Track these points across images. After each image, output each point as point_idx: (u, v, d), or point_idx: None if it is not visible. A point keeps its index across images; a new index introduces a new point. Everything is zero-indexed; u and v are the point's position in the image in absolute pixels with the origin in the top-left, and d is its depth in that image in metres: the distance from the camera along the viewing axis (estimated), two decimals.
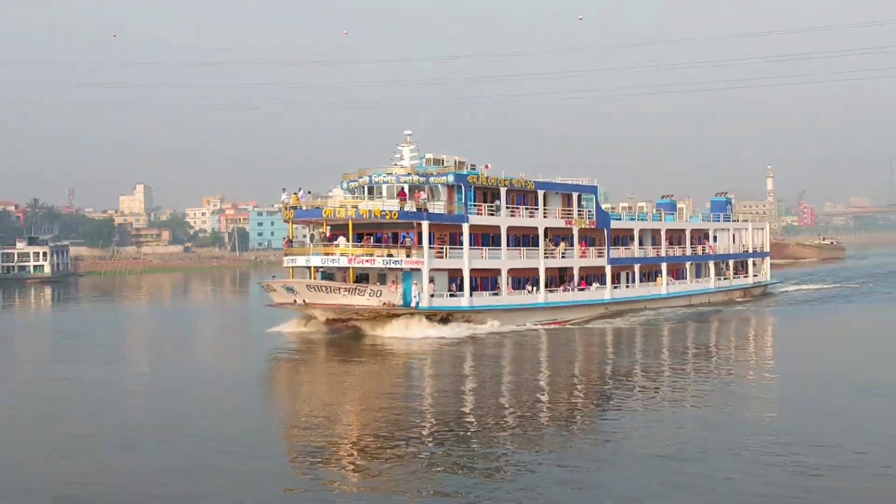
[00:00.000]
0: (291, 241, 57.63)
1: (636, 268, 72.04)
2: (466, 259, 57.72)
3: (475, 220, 58.66)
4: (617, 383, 39.58)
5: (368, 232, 57.24)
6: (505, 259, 60.64)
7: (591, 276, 68.30)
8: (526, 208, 62.89)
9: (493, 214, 60.15)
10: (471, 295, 57.89)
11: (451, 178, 57.62)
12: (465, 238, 57.85)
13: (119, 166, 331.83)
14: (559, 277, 65.90)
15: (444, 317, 56.50)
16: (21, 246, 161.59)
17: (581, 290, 66.20)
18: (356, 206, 53.89)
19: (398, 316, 54.64)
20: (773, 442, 27.63)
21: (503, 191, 60.62)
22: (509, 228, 61.17)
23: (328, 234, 56.30)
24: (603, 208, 69.56)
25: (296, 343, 53.06)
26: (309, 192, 57.91)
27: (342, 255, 53.93)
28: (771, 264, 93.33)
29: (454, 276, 57.98)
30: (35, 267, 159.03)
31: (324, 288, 53.53)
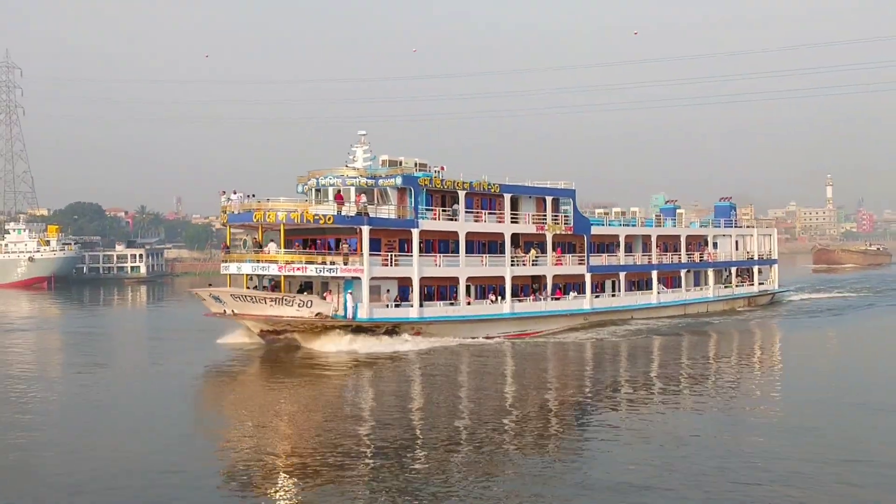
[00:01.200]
0: (228, 247, 54.17)
1: (622, 276, 67.38)
2: (416, 267, 53.83)
3: (427, 225, 54.78)
4: (575, 403, 36.31)
5: (313, 238, 53.84)
6: (463, 267, 56.63)
7: (570, 285, 63.95)
8: (492, 213, 58.90)
9: (452, 219, 56.31)
10: (421, 305, 54.06)
11: (399, 181, 53.84)
12: (415, 244, 54.03)
13: (223, 175, 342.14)
14: (532, 287, 61.71)
15: (391, 329, 52.69)
16: (120, 248, 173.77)
17: (556, 299, 61.86)
18: (286, 211, 50.44)
19: (335, 328, 51.02)
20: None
21: (462, 194, 56.68)
22: (469, 234, 57.17)
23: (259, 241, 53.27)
24: (581, 213, 65.25)
25: (230, 357, 49.57)
26: (252, 196, 54.48)
27: (271, 262, 50.54)
28: (813, 269, 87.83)
29: (405, 286, 54.18)
30: (132, 268, 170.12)
31: (249, 298, 50.09)
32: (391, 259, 52.93)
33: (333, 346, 49.84)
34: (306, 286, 53.88)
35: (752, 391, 38.96)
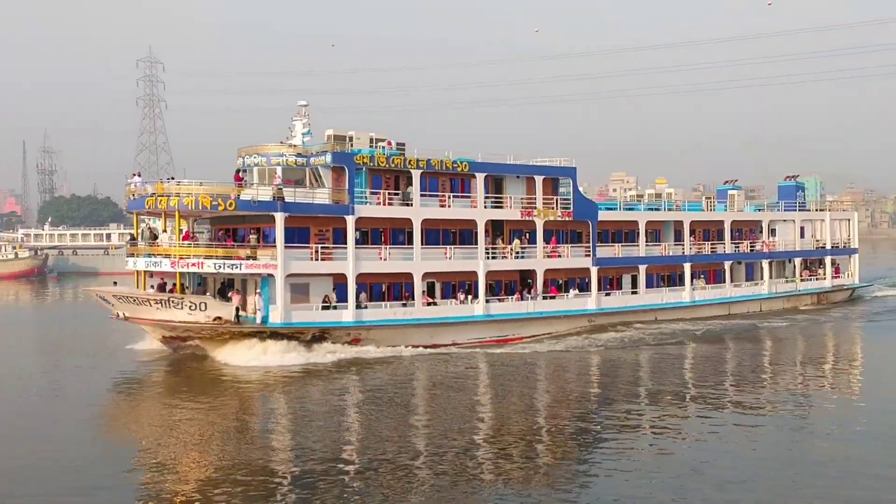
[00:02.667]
0: (135, 238, 46.66)
1: (642, 269, 56.76)
2: (351, 261, 45.15)
3: (366, 211, 45.99)
4: (547, 431, 28.78)
5: (233, 227, 46.04)
6: (419, 261, 47.62)
7: (573, 282, 53.96)
8: (460, 197, 49.60)
9: (407, 204, 47.36)
10: (361, 307, 45.44)
11: (329, 158, 45.35)
12: (350, 234, 45.34)
13: None
14: (522, 284, 52.08)
15: (318, 336, 44.30)
16: None
17: (551, 298, 52.03)
18: (179, 195, 42.59)
19: (242, 335, 43.00)
20: None
21: (416, 174, 47.59)
22: (427, 222, 48.06)
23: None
24: (583, 194, 54.96)
25: (130, 369, 42.20)
26: (172, 178, 46.85)
27: (165, 256, 42.91)
28: None
29: (342, 283, 45.63)
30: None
31: (132, 299, 42.63)
32: (316, 252, 44.50)
33: (240, 356, 41.88)
34: (229, 285, 46.15)
35: (819, 425, 29.76)
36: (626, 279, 56.78)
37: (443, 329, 47.78)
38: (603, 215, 55.17)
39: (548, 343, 48.91)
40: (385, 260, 46.47)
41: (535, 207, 51.80)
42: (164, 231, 43.74)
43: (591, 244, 54.25)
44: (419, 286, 47.30)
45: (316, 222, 44.85)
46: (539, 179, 52.13)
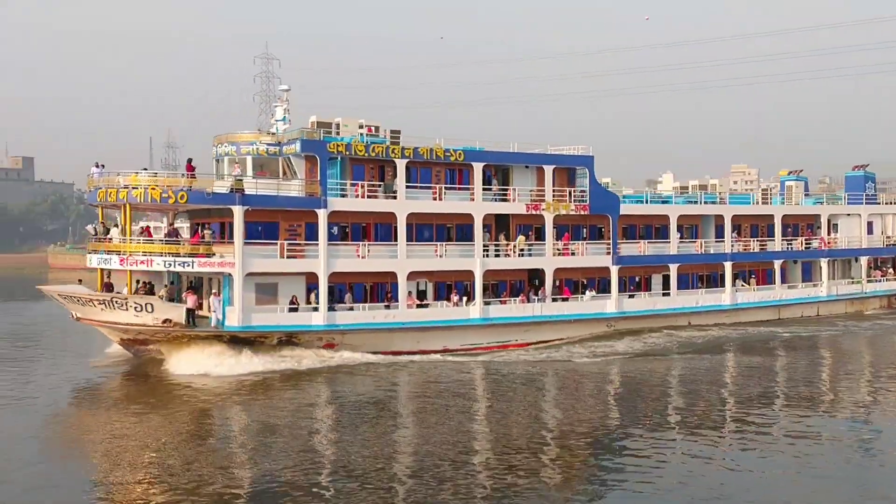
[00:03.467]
0: (98, 233, 43.30)
1: (673, 269, 51.13)
2: (322, 258, 41.21)
3: (341, 204, 42.07)
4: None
5: (206, 221, 42.81)
6: (404, 259, 43.42)
7: (591, 282, 48.90)
8: (455, 189, 45.14)
9: (391, 196, 43.26)
10: (332, 308, 41.58)
11: (298, 147, 41.62)
12: (321, 230, 41.42)
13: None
14: (531, 284, 47.35)
15: (285, 340, 40.68)
16: None
17: (563, 300, 47.12)
18: (128, 187, 39.35)
19: (199, 339, 39.68)
20: None
21: (401, 164, 43.36)
22: (414, 217, 43.80)
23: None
24: (602, 185, 49.67)
25: (86, 375, 39.41)
26: (145, 169, 43.70)
27: (116, 252, 39.88)
28: None
29: (314, 283, 41.89)
30: None
31: (77, 299, 39.76)
32: (282, 249, 40.83)
33: (191, 363, 38.54)
34: (199, 284, 42.99)
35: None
36: (656, 279, 51.29)
37: (431, 334, 43.48)
38: (626, 209, 49.80)
39: (558, 350, 44.24)
40: (363, 258, 42.50)
41: (544, 200, 46.99)
42: (117, 226, 40.76)
43: (611, 241, 49.09)
44: (403, 286, 43.08)
45: (286, 216, 41.21)
46: (549, 170, 47.19)
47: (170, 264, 39.07)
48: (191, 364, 38.37)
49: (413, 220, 43.90)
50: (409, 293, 43.50)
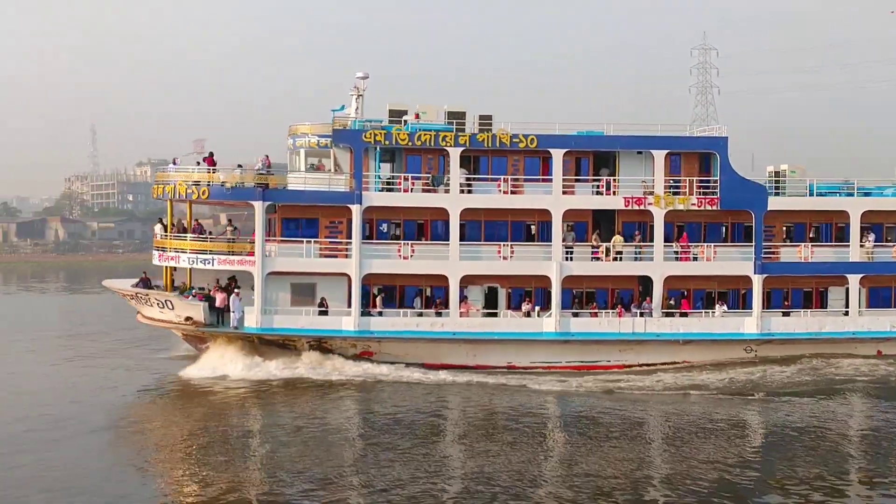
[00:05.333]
0: (181, 228, 40.68)
1: (853, 280, 39.01)
2: (356, 258, 37.57)
3: (379, 199, 38.08)
4: None
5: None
6: (456, 260, 38.09)
7: (730, 294, 39.23)
8: (546, 180, 38.78)
9: (443, 190, 38.32)
10: (368, 312, 37.66)
11: (332, 138, 38.51)
12: (356, 226, 37.77)
13: None
14: (639, 293, 39.13)
15: (314, 345, 37.65)
16: None
17: (682, 314, 38.23)
18: (168, 183, 38.61)
19: (230, 340, 38.05)
20: None
21: (454, 154, 38.11)
22: (469, 213, 38.35)
23: None
24: (742, 176, 39.11)
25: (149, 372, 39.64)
26: (175, 166, 41.94)
27: (156, 248, 39.72)
28: None
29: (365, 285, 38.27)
30: None
31: (122, 295, 40.26)
32: (308, 249, 37.87)
33: (209, 365, 37.26)
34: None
35: None
36: (836, 293, 39.61)
37: (491, 347, 37.77)
38: (776, 203, 39.21)
39: (667, 377, 36.24)
40: (407, 259, 38.13)
41: (653, 193, 38.64)
42: (172, 223, 40.57)
43: (752, 243, 38.92)
44: (455, 291, 37.91)
45: (325, 213, 38.39)
46: (660, 156, 38.72)
47: (193, 261, 38.31)
48: (204, 367, 37.23)
49: (472, 217, 38.66)
50: (464, 299, 38.23)
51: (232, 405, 32.61)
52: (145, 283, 39.43)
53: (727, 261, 38.88)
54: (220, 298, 38.01)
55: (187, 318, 37.79)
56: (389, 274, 38.20)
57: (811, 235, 40.37)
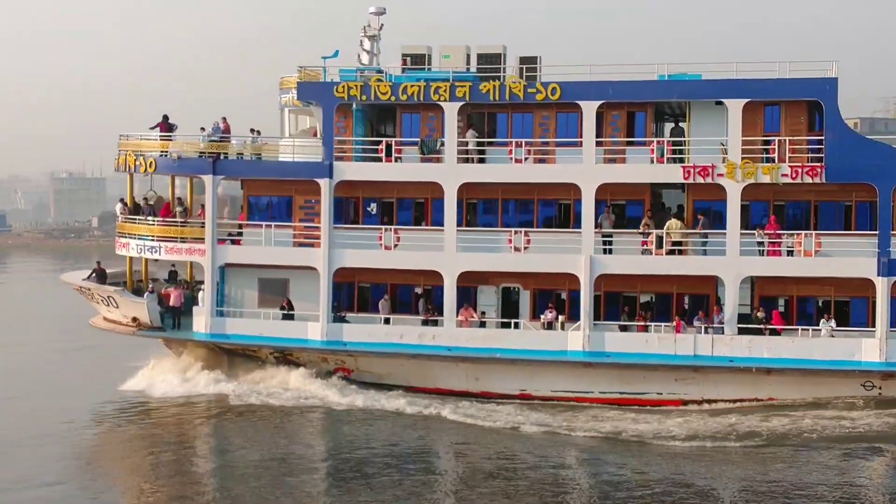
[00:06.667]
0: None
1: None
2: (325, 248, 29.15)
3: (353, 171, 29.28)
4: None
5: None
6: (451, 252, 28.62)
7: (856, 304, 27.14)
8: (574, 144, 28.49)
9: (433, 159, 28.97)
10: (340, 318, 29.13)
11: (292, 95, 30.31)
12: (324, 206, 29.29)
13: None
14: (717, 301, 27.86)
15: (279, 357, 29.70)
16: None
17: (770, 331, 26.82)
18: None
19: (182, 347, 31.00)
20: None
21: (450, 110, 28.59)
22: (471, 188, 28.89)
23: None
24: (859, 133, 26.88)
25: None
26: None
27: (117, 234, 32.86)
28: None
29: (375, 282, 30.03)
30: None
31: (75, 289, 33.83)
32: (265, 235, 29.77)
33: (161, 380, 30.29)
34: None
35: None
36: None
37: (498, 369, 28.23)
38: None
39: (743, 420, 25.58)
40: (390, 249, 29.14)
41: (725, 160, 27.30)
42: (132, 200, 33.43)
43: (877, 231, 26.60)
44: (451, 292, 28.63)
45: (301, 190, 30.14)
46: (735, 107, 27.28)
47: (141, 249, 31.31)
48: (156, 380, 30.37)
49: (482, 195, 29.32)
50: (467, 305, 28.83)
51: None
52: (99, 274, 32.88)
53: (837, 257, 26.93)
54: (174, 296, 30.94)
55: (133, 319, 31.05)
56: (368, 269, 29.59)
57: None
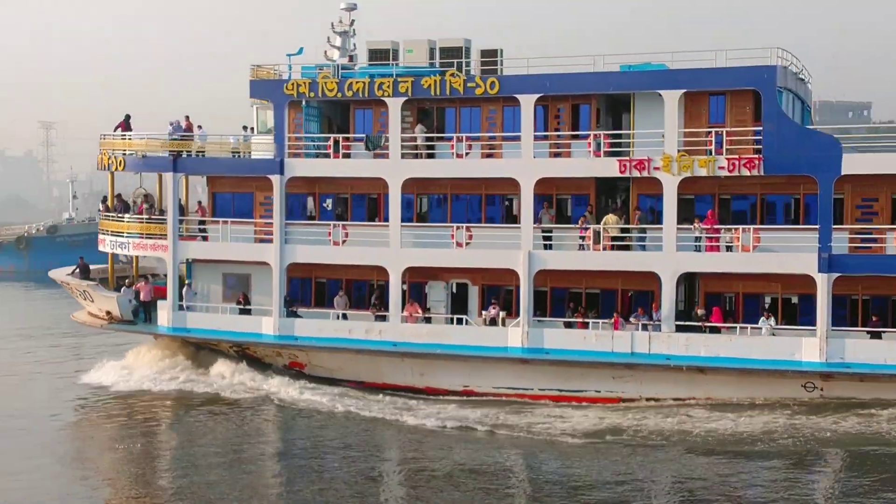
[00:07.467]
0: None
1: None
2: (277, 243, 29.62)
3: (305, 167, 29.58)
4: None
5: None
6: (396, 248, 28.68)
7: (806, 301, 26.13)
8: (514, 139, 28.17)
9: (381, 154, 29.05)
10: (293, 312, 29.62)
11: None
12: (277, 203, 29.73)
13: None
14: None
15: (238, 351, 30.49)
16: None
17: (710, 329, 26.08)
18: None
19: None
20: None
21: (393, 105, 28.63)
22: (413, 184, 29.03)
23: None
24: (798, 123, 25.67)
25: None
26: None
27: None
28: None
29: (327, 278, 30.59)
30: None
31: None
32: (222, 231, 30.44)
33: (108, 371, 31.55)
34: None
35: None
36: None
37: (442, 365, 28.31)
38: (856, 163, 25.27)
39: (685, 418, 25.28)
40: (339, 245, 29.40)
41: (662, 154, 26.52)
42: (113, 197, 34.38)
43: (818, 226, 25.41)
44: (396, 288, 28.80)
45: (261, 186, 30.65)
46: (671, 98, 26.44)
47: (113, 245, 32.45)
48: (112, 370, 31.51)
49: (433, 191, 29.43)
50: (412, 301, 28.95)
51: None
52: (83, 269, 34.24)
53: (775, 252, 25.91)
54: (144, 291, 32.00)
55: (107, 313, 32.30)
56: (323, 264, 30.02)
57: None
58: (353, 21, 32.70)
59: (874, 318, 25.61)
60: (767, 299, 26.92)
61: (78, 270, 34.07)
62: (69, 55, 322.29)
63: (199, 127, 32.78)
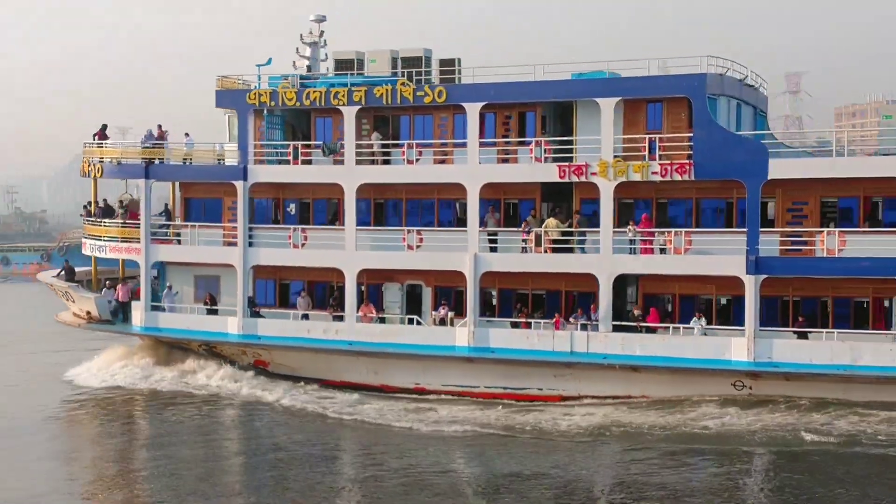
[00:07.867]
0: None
1: None
2: (241, 247, 30.94)
3: (265, 174, 30.90)
4: None
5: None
6: (351, 251, 29.84)
7: (737, 303, 26.86)
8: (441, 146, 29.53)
9: (337, 160, 30.25)
10: (255, 312, 30.98)
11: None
12: (240, 208, 31.05)
13: None
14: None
15: (207, 349, 31.97)
16: None
17: (646, 329, 26.96)
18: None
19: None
20: None
21: (348, 114, 29.81)
22: (367, 189, 30.20)
23: None
24: (729, 130, 26.32)
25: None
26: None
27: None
28: None
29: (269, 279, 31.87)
30: None
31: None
32: (191, 235, 31.85)
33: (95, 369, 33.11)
34: None
35: None
36: (895, 306, 25.57)
37: (394, 363, 29.47)
38: (783, 168, 25.95)
39: (617, 415, 26.25)
40: (299, 248, 30.67)
41: (599, 160, 27.38)
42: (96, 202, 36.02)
43: (746, 228, 26.14)
44: (351, 289, 29.98)
45: (229, 192, 32.01)
46: (608, 106, 27.32)
47: (94, 248, 34.05)
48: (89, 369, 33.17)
49: (387, 196, 30.63)
50: (367, 302, 30.14)
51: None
52: (68, 272, 35.86)
53: (706, 254, 26.71)
54: (122, 292, 33.55)
55: (87, 313, 33.91)
56: (280, 266, 31.35)
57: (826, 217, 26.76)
58: (322, 32, 34.11)
59: (800, 319, 26.39)
60: (703, 301, 27.86)
61: (63, 273, 35.85)
62: None
63: (187, 135, 34.41)
